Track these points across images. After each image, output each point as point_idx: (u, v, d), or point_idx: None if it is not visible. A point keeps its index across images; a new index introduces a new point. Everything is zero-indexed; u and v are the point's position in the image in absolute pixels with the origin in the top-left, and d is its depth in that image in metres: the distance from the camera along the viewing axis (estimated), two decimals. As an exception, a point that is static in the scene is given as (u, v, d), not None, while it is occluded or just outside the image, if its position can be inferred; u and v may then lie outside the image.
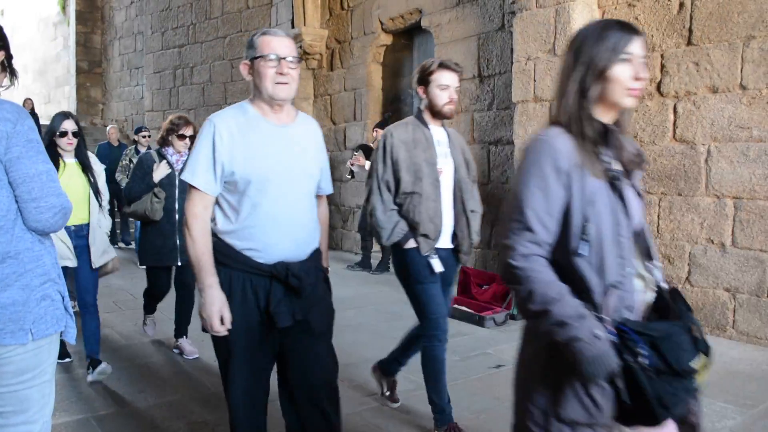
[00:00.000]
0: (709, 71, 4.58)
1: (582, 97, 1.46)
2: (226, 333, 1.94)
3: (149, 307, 4.37)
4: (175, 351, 4.16)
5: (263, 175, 1.97)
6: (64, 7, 16.03)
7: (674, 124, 4.81)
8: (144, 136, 7.79)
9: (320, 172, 2.20)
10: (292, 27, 9.39)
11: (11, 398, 1.68)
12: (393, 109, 8.26)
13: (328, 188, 2.29)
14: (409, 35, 8.12)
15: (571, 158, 1.42)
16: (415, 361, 3.96)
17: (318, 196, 2.23)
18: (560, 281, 1.40)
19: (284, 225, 2.00)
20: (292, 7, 9.31)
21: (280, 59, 1.98)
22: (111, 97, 15.10)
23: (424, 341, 2.87)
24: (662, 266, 1.51)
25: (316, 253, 2.14)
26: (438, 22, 7.17)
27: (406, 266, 2.84)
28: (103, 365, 3.62)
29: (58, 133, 3.54)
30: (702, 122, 4.63)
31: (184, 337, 4.16)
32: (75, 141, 3.58)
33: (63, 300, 1.77)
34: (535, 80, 5.45)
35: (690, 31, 4.69)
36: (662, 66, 4.87)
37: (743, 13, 4.37)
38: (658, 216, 4.93)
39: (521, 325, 1.61)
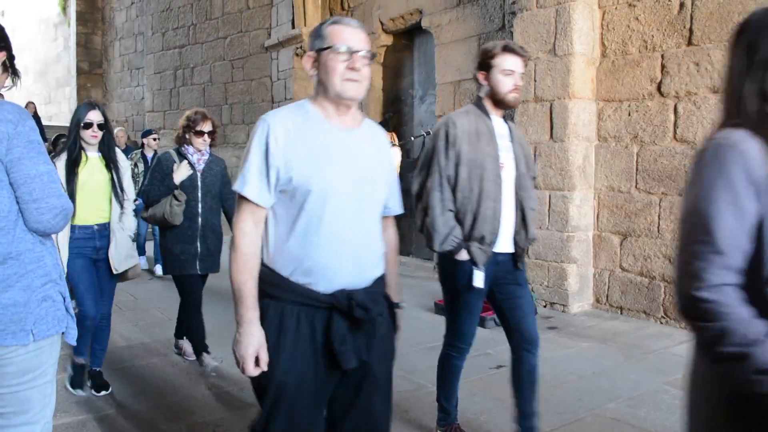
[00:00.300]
0: (709, 71, 4.58)
1: (765, 100, 1.23)
2: (257, 374, 1.65)
3: (193, 341, 3.94)
4: (176, 351, 4.15)
5: (325, 185, 1.66)
6: (64, 8, 16.05)
7: (675, 124, 4.81)
8: (154, 139, 7.28)
9: (388, 188, 1.88)
10: (293, 27, 9.40)
11: (12, 399, 1.68)
12: (393, 109, 8.27)
13: (397, 207, 1.95)
14: (409, 36, 8.12)
15: (764, 167, 1.18)
16: (417, 362, 3.97)
17: (385, 218, 1.92)
18: (759, 318, 1.16)
19: (347, 245, 1.69)
20: (293, 7, 9.31)
21: (352, 53, 1.68)
22: (111, 97, 15.11)
23: (446, 348, 2.77)
24: None
25: (381, 280, 1.84)
26: (438, 22, 7.17)
27: (454, 277, 2.62)
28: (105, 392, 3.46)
29: (82, 125, 3.26)
30: (703, 122, 4.62)
31: (185, 338, 4.14)
32: (100, 134, 3.31)
33: (64, 301, 1.77)
34: (535, 80, 5.45)
35: (690, 31, 4.69)
36: (663, 66, 4.87)
37: (744, 13, 4.35)
38: (659, 216, 4.92)
39: (691, 371, 1.32)
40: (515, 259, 2.67)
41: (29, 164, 1.64)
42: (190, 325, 3.94)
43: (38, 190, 1.65)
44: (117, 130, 8.76)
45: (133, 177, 6.82)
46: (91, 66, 15.40)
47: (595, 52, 5.30)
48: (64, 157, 3.26)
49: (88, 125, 3.27)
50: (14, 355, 1.65)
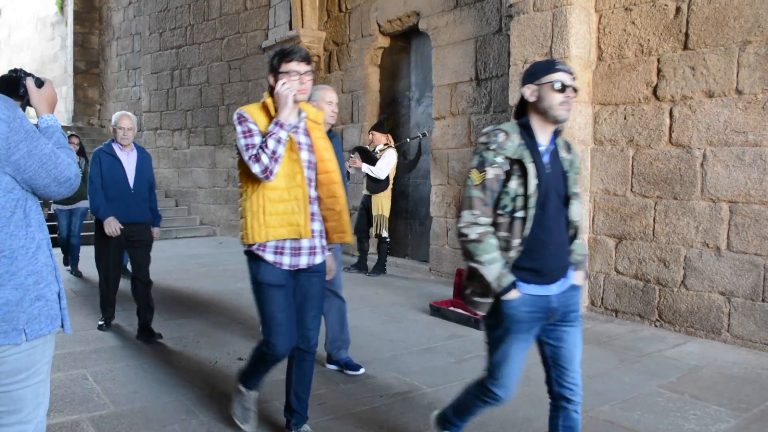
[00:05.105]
0: (705, 75, 4.60)
1: None
2: None
3: None
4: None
5: None
6: (62, 8, 16.01)
7: (670, 128, 4.83)
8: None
9: None
10: (290, 29, 9.40)
11: (5, 398, 1.67)
12: (390, 111, 8.28)
13: None
14: (406, 38, 8.14)
15: None
16: (412, 364, 3.96)
17: None
18: None
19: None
20: (290, 8, 9.32)
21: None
22: (108, 97, 15.08)
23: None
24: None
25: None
26: (435, 24, 7.18)
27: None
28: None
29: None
30: (698, 126, 4.64)
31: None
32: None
33: (59, 300, 1.77)
34: (532, 83, 5.46)
35: (686, 35, 4.71)
36: (658, 70, 4.88)
37: (739, 18, 4.39)
38: (654, 219, 4.94)
39: None
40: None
41: (37, 153, 1.67)
42: None
43: (52, 163, 1.71)
44: (323, 90, 4.64)
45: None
46: (88, 66, 15.37)
47: (592, 55, 5.32)
48: None
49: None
50: (6, 354, 1.65)
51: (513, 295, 2.12)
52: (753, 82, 4.34)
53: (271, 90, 2.59)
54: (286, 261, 2.59)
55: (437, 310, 5.26)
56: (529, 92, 2.19)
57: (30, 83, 1.88)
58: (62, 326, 1.79)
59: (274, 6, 9.92)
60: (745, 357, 4.16)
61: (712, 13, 4.55)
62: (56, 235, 7.07)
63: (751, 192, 4.36)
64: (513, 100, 5.64)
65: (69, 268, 7.17)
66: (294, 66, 2.55)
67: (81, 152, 7.19)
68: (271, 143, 2.47)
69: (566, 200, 2.23)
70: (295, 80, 2.54)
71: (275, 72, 2.58)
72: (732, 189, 4.46)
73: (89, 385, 3.56)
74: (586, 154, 5.39)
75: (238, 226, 11.12)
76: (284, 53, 2.57)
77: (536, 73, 2.19)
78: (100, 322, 4.79)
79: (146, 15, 12.54)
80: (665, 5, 4.84)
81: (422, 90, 7.91)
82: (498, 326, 2.21)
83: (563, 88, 2.13)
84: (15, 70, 1.89)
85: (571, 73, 2.19)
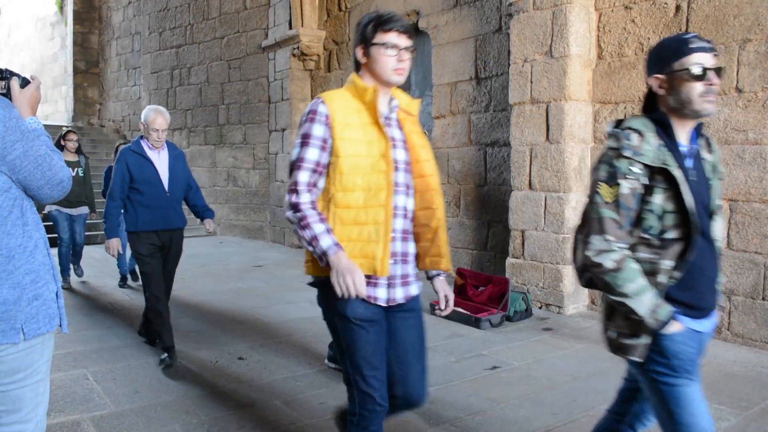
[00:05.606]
0: (705, 74, 4.59)
1: None
2: None
3: None
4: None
5: None
6: (61, 7, 16.01)
7: (670, 126, 4.82)
8: None
9: None
10: (290, 28, 9.40)
11: (4, 398, 1.67)
12: (390, 110, 8.26)
13: None
14: (406, 37, 8.12)
15: None
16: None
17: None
18: None
19: None
20: (290, 8, 9.32)
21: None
22: (108, 97, 15.08)
23: None
24: None
25: None
26: (435, 23, 7.18)
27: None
28: None
29: None
30: (698, 125, 4.64)
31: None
32: None
33: (57, 299, 1.76)
34: (531, 82, 5.46)
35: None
36: (658, 68, 4.88)
37: (739, 16, 4.39)
38: (654, 218, 4.94)
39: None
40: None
41: (33, 154, 1.66)
42: None
43: (47, 165, 1.70)
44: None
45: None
46: (88, 65, 15.37)
47: (592, 54, 5.32)
48: None
49: None
50: (5, 353, 1.65)
51: (675, 327, 1.68)
52: (753, 81, 4.33)
53: (357, 67, 2.03)
54: (382, 295, 1.99)
55: (438, 309, 5.25)
56: (657, 84, 1.72)
57: (14, 83, 1.81)
58: (60, 325, 1.78)
59: (274, 5, 9.92)
60: (746, 355, 4.16)
61: (712, 11, 4.54)
62: (54, 236, 6.83)
63: (751, 190, 4.36)
64: (513, 98, 5.64)
65: (74, 268, 6.68)
66: (393, 38, 1.93)
67: (79, 151, 6.62)
68: (307, 234, 1.85)
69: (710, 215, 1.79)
70: (392, 57, 1.94)
71: (366, 43, 1.96)
72: (732, 187, 4.46)
73: (90, 385, 3.56)
74: (587, 153, 5.39)
75: (238, 226, 11.12)
76: (381, 20, 1.94)
77: (665, 57, 1.70)
78: (163, 357, 3.90)
79: (146, 14, 12.54)
80: (665, 3, 4.83)
81: (422, 89, 7.91)
82: (668, 372, 1.71)
83: (704, 74, 1.64)
84: (0, 71, 1.83)
85: (712, 51, 1.68)
